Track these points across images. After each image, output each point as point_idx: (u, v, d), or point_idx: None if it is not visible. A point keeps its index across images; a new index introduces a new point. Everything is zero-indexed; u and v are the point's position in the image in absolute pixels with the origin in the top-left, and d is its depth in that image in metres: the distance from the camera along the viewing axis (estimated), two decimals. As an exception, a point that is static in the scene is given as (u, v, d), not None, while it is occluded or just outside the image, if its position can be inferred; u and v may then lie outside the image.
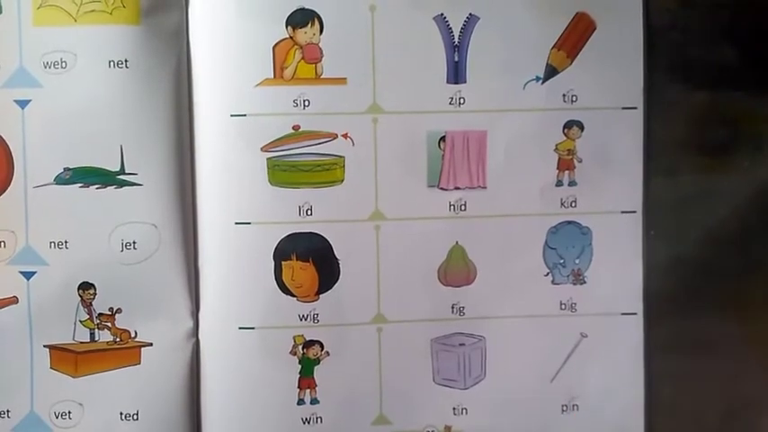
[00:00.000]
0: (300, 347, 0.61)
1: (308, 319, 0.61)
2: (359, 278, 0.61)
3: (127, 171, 0.59)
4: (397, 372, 0.62)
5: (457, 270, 0.62)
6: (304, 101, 0.60)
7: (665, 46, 0.61)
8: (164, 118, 0.59)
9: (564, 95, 0.61)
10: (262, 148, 0.60)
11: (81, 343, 0.60)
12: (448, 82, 0.60)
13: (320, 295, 0.61)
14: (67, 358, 0.60)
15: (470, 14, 0.60)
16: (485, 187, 0.61)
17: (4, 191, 0.59)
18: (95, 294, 0.60)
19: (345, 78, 0.60)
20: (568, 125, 0.61)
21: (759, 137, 0.63)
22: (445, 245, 0.61)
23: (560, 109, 0.61)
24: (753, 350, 0.64)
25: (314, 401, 0.62)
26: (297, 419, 0.62)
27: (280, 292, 0.61)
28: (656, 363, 0.63)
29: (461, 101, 0.60)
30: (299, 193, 0.60)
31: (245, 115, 0.59)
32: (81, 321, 0.60)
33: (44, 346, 0.60)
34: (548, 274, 0.62)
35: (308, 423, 0.62)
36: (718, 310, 0.63)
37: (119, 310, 0.60)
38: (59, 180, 0.59)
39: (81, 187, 0.59)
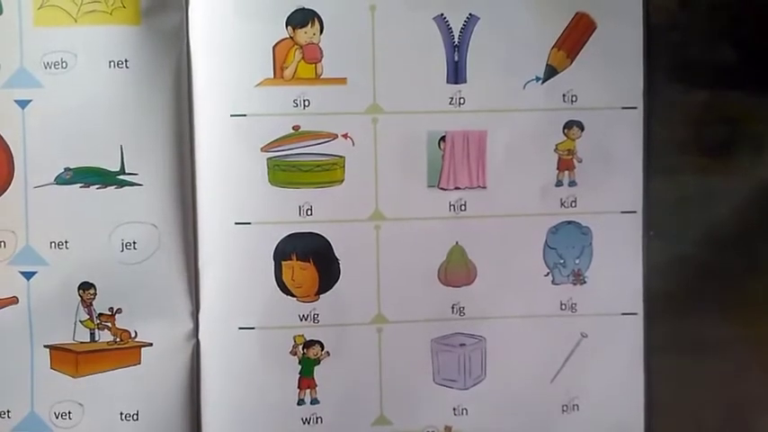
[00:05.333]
0: (300, 347, 0.61)
1: (309, 319, 0.61)
2: (359, 278, 0.61)
3: (127, 171, 0.59)
4: (398, 372, 0.62)
5: (457, 270, 0.62)
6: (304, 101, 0.60)
7: (665, 46, 0.61)
8: (164, 118, 0.59)
9: (564, 95, 0.61)
10: (262, 149, 0.60)
11: (81, 343, 0.60)
12: (448, 82, 0.60)
13: (320, 295, 0.61)
14: (68, 358, 0.60)
15: (470, 14, 0.60)
16: (485, 187, 0.61)
17: (5, 191, 0.59)
18: (95, 294, 0.60)
19: (345, 78, 0.60)
20: (568, 125, 0.61)
21: (759, 137, 0.63)
22: (445, 245, 0.61)
23: (560, 109, 0.61)
24: (753, 350, 0.64)
25: (314, 402, 0.62)
26: (297, 420, 0.62)
27: (280, 292, 0.61)
28: (656, 363, 0.63)
29: (461, 101, 0.60)
30: (300, 193, 0.60)
31: (245, 115, 0.59)
32: (81, 321, 0.60)
33: (44, 346, 0.60)
34: (548, 274, 0.62)
35: (308, 423, 0.62)
36: (718, 311, 0.63)
37: (119, 311, 0.60)
38: (60, 180, 0.59)
39: (81, 187, 0.59)
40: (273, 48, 0.59)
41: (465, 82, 0.60)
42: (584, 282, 0.63)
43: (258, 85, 0.59)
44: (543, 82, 0.61)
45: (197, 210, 0.60)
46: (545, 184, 0.61)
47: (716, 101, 0.62)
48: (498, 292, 0.62)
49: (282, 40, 0.59)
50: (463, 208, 0.61)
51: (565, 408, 0.63)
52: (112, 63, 0.58)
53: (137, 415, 0.60)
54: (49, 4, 0.58)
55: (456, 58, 0.60)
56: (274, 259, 0.60)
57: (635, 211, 0.62)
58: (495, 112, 0.61)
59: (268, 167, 0.60)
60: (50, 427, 0.60)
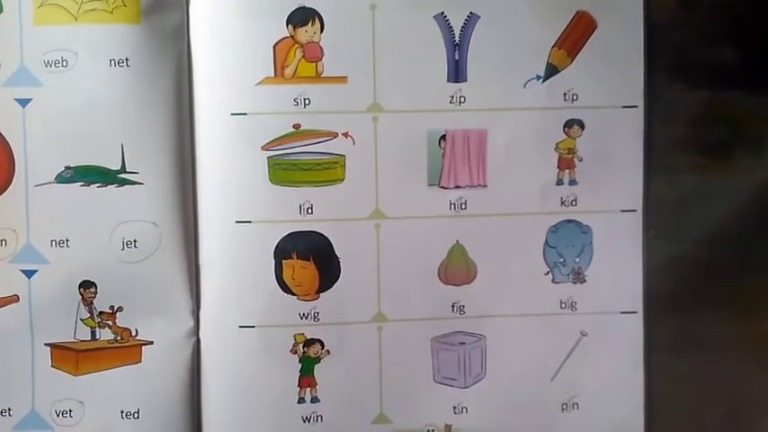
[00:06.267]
0: (301, 346, 0.61)
1: (309, 317, 0.61)
2: (359, 277, 0.61)
3: (128, 170, 0.59)
4: (398, 370, 0.62)
5: (457, 269, 0.62)
6: (304, 99, 0.60)
7: (665, 45, 0.61)
8: (164, 117, 0.59)
9: (564, 94, 0.61)
10: (262, 147, 0.60)
11: (82, 341, 0.60)
12: (448, 80, 0.60)
13: (321, 294, 0.61)
14: (68, 357, 0.60)
15: (471, 13, 0.60)
16: (485, 186, 0.61)
17: (6, 189, 0.59)
18: (96, 293, 0.60)
19: (346, 77, 0.60)
20: (569, 124, 0.61)
21: (759, 137, 0.63)
22: (445, 243, 0.61)
23: (561, 108, 0.61)
24: (753, 350, 0.64)
25: (314, 400, 0.62)
26: (297, 418, 0.62)
27: (280, 290, 0.61)
28: (656, 361, 0.63)
29: (462, 99, 0.60)
30: (300, 191, 0.60)
31: (245, 114, 0.59)
32: (82, 320, 0.60)
33: (45, 344, 0.60)
34: (548, 272, 0.62)
35: (309, 421, 0.62)
36: (717, 309, 0.63)
37: (119, 309, 0.60)
38: (60, 179, 0.59)
39: (82, 186, 0.59)
40: (274, 46, 0.59)
41: (465, 81, 0.60)
42: (585, 280, 0.63)
43: (259, 83, 0.59)
44: (544, 81, 0.61)
45: (197, 208, 0.60)
46: (545, 182, 0.61)
47: (716, 101, 0.62)
48: (498, 291, 0.62)
49: (283, 38, 0.59)
50: (463, 206, 0.61)
51: (565, 406, 0.63)
52: (113, 62, 0.58)
53: (137, 413, 0.60)
54: (50, 3, 0.58)
55: (456, 57, 0.60)
56: (275, 258, 0.60)
57: (635, 210, 0.62)
58: (495, 111, 0.61)
59: (268, 166, 0.60)
60: (51, 425, 0.61)
